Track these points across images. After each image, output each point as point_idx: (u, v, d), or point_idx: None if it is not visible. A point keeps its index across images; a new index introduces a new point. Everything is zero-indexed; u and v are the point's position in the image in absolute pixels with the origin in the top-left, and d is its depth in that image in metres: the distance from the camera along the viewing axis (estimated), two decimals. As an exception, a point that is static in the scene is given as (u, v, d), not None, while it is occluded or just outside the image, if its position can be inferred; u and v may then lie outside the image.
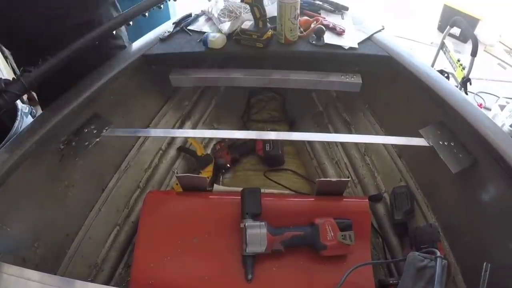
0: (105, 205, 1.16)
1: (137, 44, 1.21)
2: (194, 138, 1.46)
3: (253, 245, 0.90)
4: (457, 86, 1.91)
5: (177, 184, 1.13)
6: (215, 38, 1.15)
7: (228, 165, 1.42)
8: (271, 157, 1.43)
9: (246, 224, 0.92)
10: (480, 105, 2.67)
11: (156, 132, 1.02)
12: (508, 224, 0.83)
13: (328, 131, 1.52)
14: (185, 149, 1.44)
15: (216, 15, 1.22)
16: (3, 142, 1.22)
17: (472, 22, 3.12)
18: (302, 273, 0.95)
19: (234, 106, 1.65)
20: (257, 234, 0.91)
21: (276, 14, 1.13)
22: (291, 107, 1.67)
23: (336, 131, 1.49)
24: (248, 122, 1.65)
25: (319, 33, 1.16)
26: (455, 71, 2.03)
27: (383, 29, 1.24)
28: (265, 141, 1.42)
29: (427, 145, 0.96)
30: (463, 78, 1.91)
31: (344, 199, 1.08)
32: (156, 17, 1.24)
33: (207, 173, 1.39)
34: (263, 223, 0.93)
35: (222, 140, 1.50)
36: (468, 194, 0.98)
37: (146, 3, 1.09)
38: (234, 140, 1.47)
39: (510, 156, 0.80)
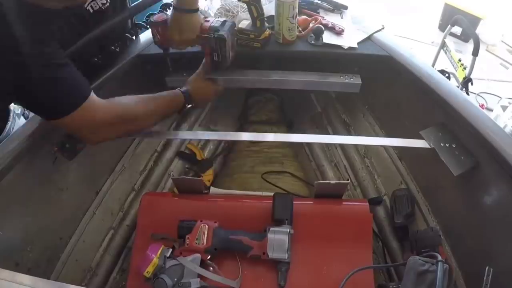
0: (100, 208, 1.14)
1: (132, 44, 1.19)
2: (192, 143, 1.46)
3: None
4: (458, 87, 1.89)
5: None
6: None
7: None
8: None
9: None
10: (482, 106, 2.65)
11: (151, 134, 1.01)
12: (511, 228, 0.81)
13: (327, 133, 1.50)
14: (184, 154, 1.44)
15: (212, 14, 1.20)
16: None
17: (474, 21, 3.10)
18: (301, 277, 0.94)
19: (231, 107, 1.63)
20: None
21: (274, 13, 1.12)
22: (289, 108, 1.65)
23: (335, 132, 1.47)
24: (246, 124, 1.63)
25: (318, 33, 1.15)
26: (456, 71, 2.02)
27: (383, 28, 1.23)
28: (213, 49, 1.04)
29: (428, 147, 0.95)
30: (464, 78, 1.89)
31: (344, 202, 1.06)
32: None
33: (207, 176, 1.38)
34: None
35: None
36: (470, 197, 0.97)
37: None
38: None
39: (513, 158, 0.78)
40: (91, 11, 0.96)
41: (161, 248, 0.88)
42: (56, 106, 0.79)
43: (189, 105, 1.03)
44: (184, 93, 1.00)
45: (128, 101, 0.90)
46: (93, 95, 0.82)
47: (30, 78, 0.73)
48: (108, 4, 0.99)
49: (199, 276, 0.87)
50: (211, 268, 0.91)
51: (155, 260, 0.85)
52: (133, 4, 1.08)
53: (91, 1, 0.95)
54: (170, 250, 0.89)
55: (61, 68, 0.76)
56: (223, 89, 1.15)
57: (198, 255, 0.89)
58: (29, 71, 0.72)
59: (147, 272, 0.84)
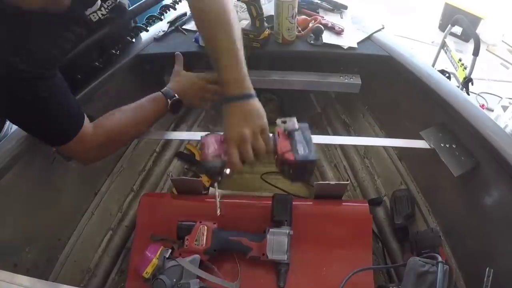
0: (98, 209, 1.14)
1: (131, 44, 1.19)
2: (191, 143, 1.45)
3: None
4: (458, 87, 1.88)
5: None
6: (208, 37, 1.12)
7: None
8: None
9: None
10: (482, 106, 2.64)
11: (149, 134, 1.00)
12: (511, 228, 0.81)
13: (326, 133, 1.49)
14: (183, 154, 1.43)
15: (211, 14, 1.19)
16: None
17: (474, 20, 3.09)
18: (301, 278, 0.93)
19: (231, 107, 1.63)
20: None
21: (273, 13, 1.11)
22: (289, 109, 1.64)
23: (335, 133, 1.47)
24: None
25: (318, 33, 1.14)
26: (456, 71, 2.01)
27: (383, 28, 1.22)
28: (294, 141, 0.85)
29: (428, 147, 0.94)
30: (464, 78, 1.89)
31: (343, 203, 1.06)
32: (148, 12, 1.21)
33: (207, 177, 1.37)
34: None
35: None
36: (470, 198, 0.96)
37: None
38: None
39: (514, 158, 0.78)
40: (94, 20, 0.95)
41: (160, 249, 0.87)
42: (48, 139, 0.81)
43: (173, 99, 0.93)
44: (162, 91, 0.94)
45: (114, 120, 0.89)
46: (85, 124, 0.82)
47: (22, 112, 0.74)
48: (108, 15, 0.98)
49: (198, 277, 0.87)
50: (210, 270, 0.91)
51: (154, 260, 0.85)
52: (130, 8, 1.08)
53: (91, 14, 0.93)
54: (170, 250, 0.89)
55: (53, 100, 0.75)
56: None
57: (197, 256, 0.89)
58: (22, 104, 0.72)
59: (146, 273, 0.84)
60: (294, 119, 0.79)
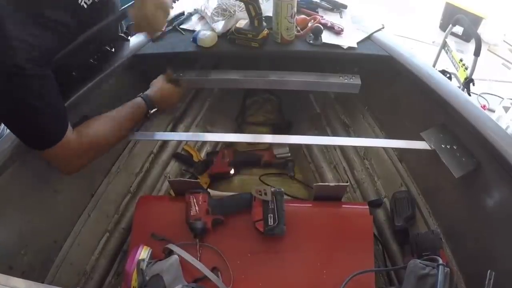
0: (95, 210, 1.12)
1: (128, 44, 1.18)
2: (189, 144, 1.44)
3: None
4: (459, 87, 1.87)
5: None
6: (205, 36, 1.12)
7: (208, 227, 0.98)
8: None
9: None
10: (484, 107, 2.63)
11: (147, 136, 0.99)
12: (513, 231, 0.80)
13: (326, 134, 1.48)
14: (180, 155, 1.42)
15: (209, 14, 1.18)
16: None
17: (475, 20, 3.09)
18: (301, 281, 0.93)
19: (229, 108, 1.62)
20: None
21: (271, 14, 1.10)
22: (288, 109, 1.64)
23: (335, 133, 1.46)
24: (243, 125, 1.61)
25: (317, 32, 1.13)
26: (457, 71, 2.00)
27: (383, 28, 1.21)
28: (267, 211, 0.95)
29: (429, 148, 0.94)
30: (465, 79, 1.88)
31: (343, 205, 1.05)
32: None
33: (205, 178, 1.37)
34: None
35: (206, 192, 1.04)
36: (471, 199, 0.95)
37: None
38: (222, 199, 1.05)
39: (515, 159, 0.77)
40: (85, 7, 0.93)
41: (136, 262, 0.87)
42: (33, 140, 0.80)
43: (153, 110, 1.01)
44: (144, 98, 1.00)
45: (96, 126, 0.90)
46: (69, 131, 0.81)
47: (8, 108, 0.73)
48: None
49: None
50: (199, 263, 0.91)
51: (134, 275, 0.85)
52: (125, 6, 1.06)
53: None
54: (146, 257, 0.89)
55: (45, 99, 0.75)
56: (185, 90, 1.17)
57: (175, 257, 0.89)
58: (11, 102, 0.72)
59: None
60: (269, 189, 0.92)
